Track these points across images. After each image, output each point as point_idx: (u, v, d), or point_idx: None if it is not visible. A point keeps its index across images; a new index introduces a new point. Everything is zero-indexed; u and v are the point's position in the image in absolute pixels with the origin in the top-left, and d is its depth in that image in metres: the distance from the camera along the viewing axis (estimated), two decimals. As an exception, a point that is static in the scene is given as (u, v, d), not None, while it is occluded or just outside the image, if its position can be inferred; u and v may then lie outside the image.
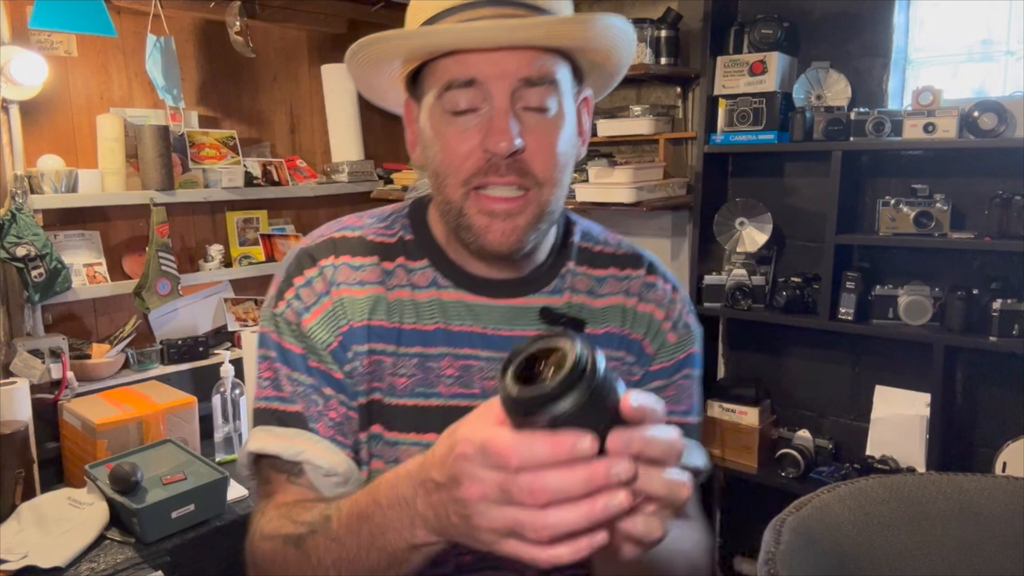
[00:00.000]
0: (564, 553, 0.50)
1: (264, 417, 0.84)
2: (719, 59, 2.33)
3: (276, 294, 0.87)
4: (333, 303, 0.85)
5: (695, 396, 0.95)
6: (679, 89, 2.60)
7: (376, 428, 0.84)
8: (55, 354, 2.27)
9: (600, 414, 0.53)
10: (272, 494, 0.83)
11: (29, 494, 1.93)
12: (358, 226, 0.91)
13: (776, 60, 2.23)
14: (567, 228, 0.95)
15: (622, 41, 0.82)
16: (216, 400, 2.23)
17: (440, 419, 0.82)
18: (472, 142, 0.77)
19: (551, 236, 0.91)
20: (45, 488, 2.03)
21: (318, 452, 0.81)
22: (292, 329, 0.84)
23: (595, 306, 0.91)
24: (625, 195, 2.39)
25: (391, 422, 0.84)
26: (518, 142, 0.75)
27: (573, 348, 0.53)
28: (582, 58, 0.83)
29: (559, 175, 0.80)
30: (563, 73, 0.80)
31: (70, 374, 2.28)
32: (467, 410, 0.76)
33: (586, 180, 2.53)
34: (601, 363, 0.53)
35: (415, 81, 0.84)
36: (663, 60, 2.48)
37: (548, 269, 0.90)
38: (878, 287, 2.13)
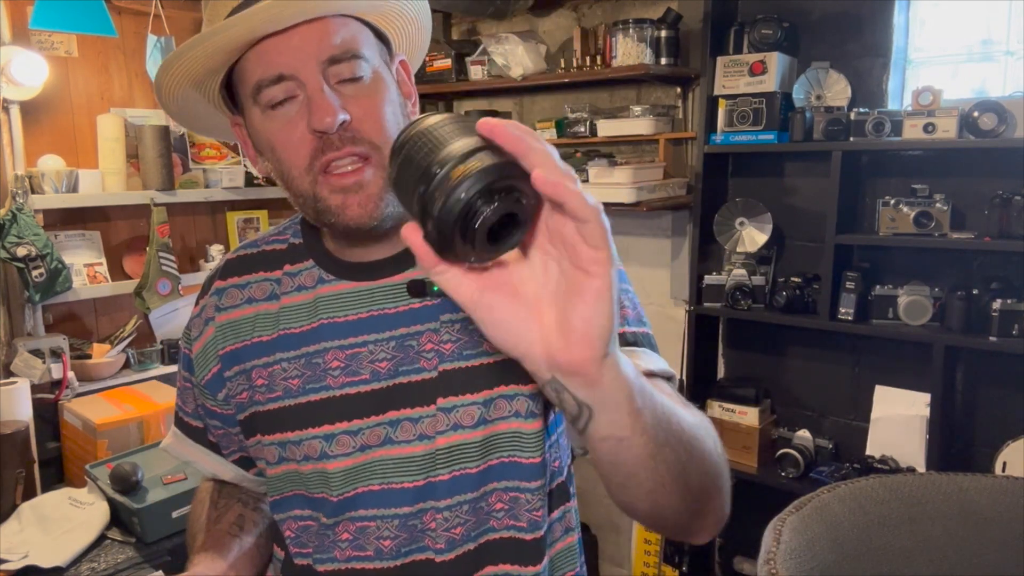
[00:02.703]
0: None
1: (176, 420, 1.03)
2: (719, 59, 2.33)
3: (191, 318, 0.98)
4: (215, 331, 0.93)
5: (630, 308, 0.88)
6: (679, 89, 2.60)
7: (279, 435, 0.89)
8: (56, 354, 2.28)
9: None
10: None
11: (30, 494, 1.93)
12: (254, 241, 0.97)
13: (776, 60, 2.23)
14: None
15: None
16: (216, 400, 2.24)
17: (331, 410, 0.87)
18: (299, 128, 0.78)
19: None
20: (46, 488, 2.03)
21: (205, 463, 1.02)
22: (187, 356, 0.97)
23: None
24: (625, 195, 2.39)
25: (292, 424, 0.88)
26: (342, 115, 0.77)
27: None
28: (383, 23, 0.85)
29: (392, 134, 0.80)
30: (366, 42, 0.81)
31: (71, 374, 2.28)
32: (356, 397, 0.86)
33: (586, 180, 2.53)
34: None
35: (233, 100, 0.85)
36: (663, 60, 2.48)
37: None
38: (878, 287, 2.13)
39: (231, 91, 0.84)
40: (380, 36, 0.85)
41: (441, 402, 0.86)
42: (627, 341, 0.85)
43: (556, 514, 0.94)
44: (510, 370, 0.87)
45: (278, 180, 0.84)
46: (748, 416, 2.40)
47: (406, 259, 0.89)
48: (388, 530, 0.87)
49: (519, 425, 0.88)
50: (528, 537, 0.88)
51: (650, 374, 0.80)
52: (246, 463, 1.00)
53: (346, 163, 0.79)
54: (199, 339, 0.95)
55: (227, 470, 1.01)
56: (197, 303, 0.97)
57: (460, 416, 0.86)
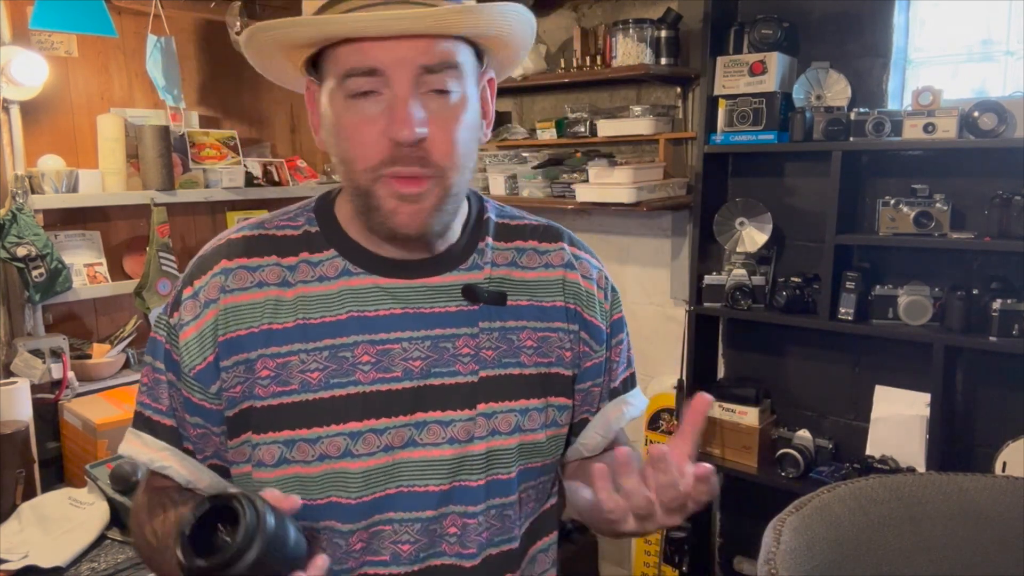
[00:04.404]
0: None
1: (138, 422, 0.91)
2: (719, 59, 2.33)
3: (172, 303, 0.88)
4: (217, 314, 0.85)
5: (629, 349, 1.03)
6: (679, 89, 2.60)
7: (286, 432, 0.83)
8: (56, 354, 2.28)
9: (277, 562, 0.64)
10: (151, 473, 0.93)
11: (30, 494, 1.93)
12: (258, 223, 0.91)
13: (776, 60, 2.23)
14: (481, 206, 0.96)
15: (519, 25, 0.83)
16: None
17: (360, 406, 0.84)
18: (376, 129, 0.77)
19: (463, 215, 0.92)
20: (46, 488, 2.03)
21: (180, 469, 0.88)
22: (174, 344, 0.86)
23: (516, 278, 0.93)
24: (625, 195, 2.39)
25: (308, 420, 0.83)
26: (421, 132, 0.76)
27: (243, 510, 0.62)
28: (483, 42, 0.84)
29: (461, 161, 0.81)
30: (464, 56, 0.81)
31: (71, 374, 2.28)
32: (388, 394, 0.84)
33: (586, 180, 2.53)
34: (271, 519, 0.63)
35: (315, 64, 0.83)
36: (663, 60, 2.48)
37: (464, 247, 0.91)
38: (878, 287, 2.13)
39: (316, 57, 0.83)
40: (477, 51, 0.85)
41: (482, 407, 0.86)
42: (627, 387, 1.01)
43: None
44: (544, 382, 0.91)
45: (336, 160, 0.83)
46: (748, 416, 2.40)
47: (444, 263, 0.89)
48: (408, 534, 0.85)
49: (546, 435, 0.91)
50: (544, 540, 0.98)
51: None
52: (219, 469, 0.90)
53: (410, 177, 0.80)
54: (194, 323, 0.85)
55: (203, 476, 0.89)
56: (190, 284, 0.87)
57: (499, 422, 0.87)
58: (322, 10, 0.78)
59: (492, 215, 0.96)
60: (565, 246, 0.97)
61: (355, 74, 0.77)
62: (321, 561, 0.69)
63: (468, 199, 0.94)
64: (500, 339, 0.89)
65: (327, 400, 0.83)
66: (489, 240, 0.93)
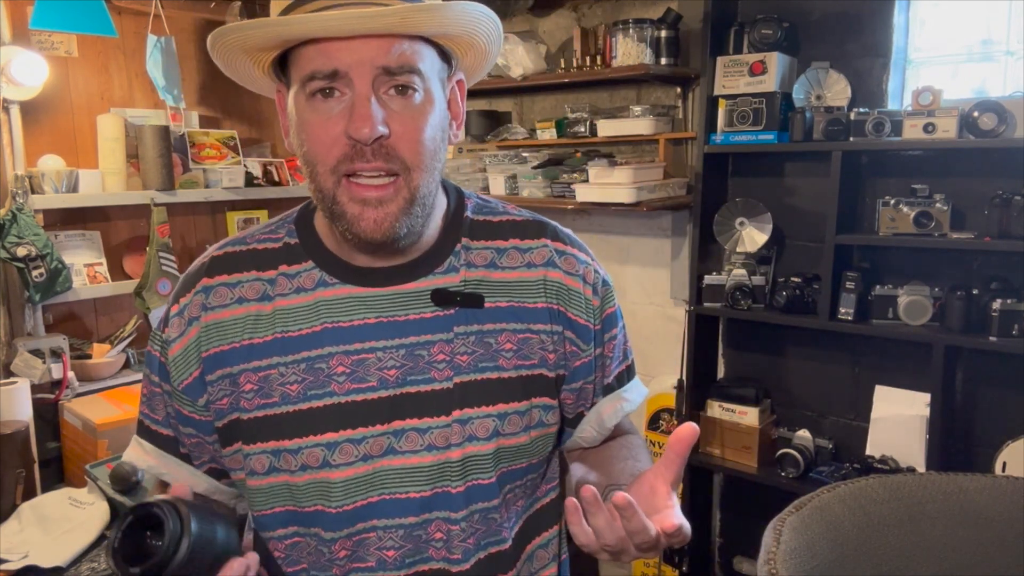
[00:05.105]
0: None
1: (140, 429, 0.95)
2: (719, 59, 2.33)
3: (163, 319, 0.92)
4: (199, 331, 0.87)
5: (625, 342, 1.01)
6: (679, 89, 2.60)
7: (272, 443, 0.85)
8: (56, 354, 2.28)
9: (208, 557, 0.68)
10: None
11: (30, 494, 1.93)
12: (241, 238, 0.93)
13: (776, 60, 2.23)
14: (459, 204, 0.94)
15: (482, 25, 0.82)
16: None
17: (335, 417, 0.84)
18: (336, 129, 0.78)
19: (438, 216, 0.91)
20: (46, 488, 2.03)
21: (177, 476, 0.93)
22: (166, 358, 0.89)
23: (495, 279, 0.90)
24: (625, 195, 2.39)
25: (289, 431, 0.85)
26: (381, 128, 0.77)
27: (166, 517, 0.67)
28: (447, 43, 0.84)
29: (427, 160, 0.81)
30: (427, 59, 0.80)
31: (71, 374, 2.28)
32: (364, 404, 0.84)
33: (586, 180, 2.53)
34: (194, 521, 0.67)
35: (283, 69, 0.84)
36: (663, 60, 2.48)
37: (439, 249, 0.90)
38: (878, 287, 2.13)
39: (283, 60, 0.84)
40: (444, 53, 0.84)
41: (457, 414, 0.86)
42: (623, 381, 0.99)
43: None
44: (526, 384, 0.90)
45: (301, 163, 0.83)
46: (748, 416, 2.40)
47: (418, 268, 0.88)
48: (392, 540, 0.85)
49: (529, 436, 0.90)
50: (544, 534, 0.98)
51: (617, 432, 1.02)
52: (217, 473, 0.94)
53: (372, 176, 0.79)
54: (179, 340, 0.88)
55: (200, 481, 0.93)
56: (176, 302, 0.90)
57: (475, 428, 0.86)
58: (285, 12, 0.78)
59: (470, 212, 0.94)
60: (548, 242, 0.94)
61: (317, 76, 0.77)
62: (253, 557, 0.74)
63: (446, 194, 0.94)
64: (477, 343, 0.87)
65: (305, 412, 0.85)
66: (465, 240, 0.91)
